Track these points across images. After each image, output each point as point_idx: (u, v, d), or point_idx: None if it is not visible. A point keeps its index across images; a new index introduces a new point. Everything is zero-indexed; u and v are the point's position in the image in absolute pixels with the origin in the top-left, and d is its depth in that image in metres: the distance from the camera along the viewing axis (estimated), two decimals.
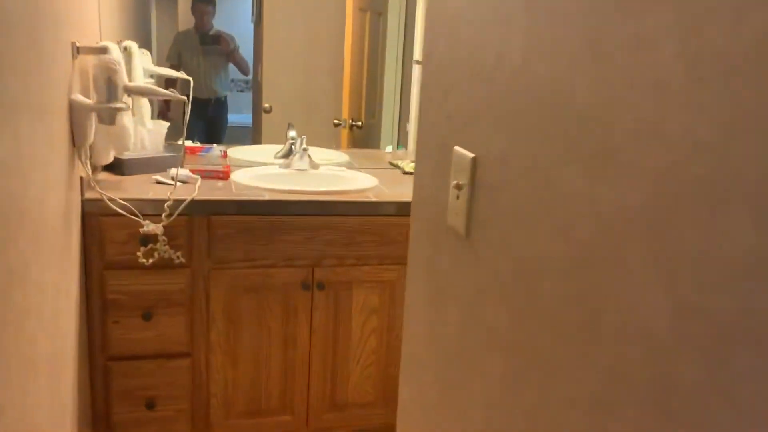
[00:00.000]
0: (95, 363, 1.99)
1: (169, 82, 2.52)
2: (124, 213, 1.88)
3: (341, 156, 2.78)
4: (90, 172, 1.88)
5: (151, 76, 2.31)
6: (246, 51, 2.90)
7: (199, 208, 1.96)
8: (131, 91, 1.87)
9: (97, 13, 2.10)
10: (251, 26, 2.89)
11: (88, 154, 1.86)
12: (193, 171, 2.19)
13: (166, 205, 1.90)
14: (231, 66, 2.83)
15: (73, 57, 1.74)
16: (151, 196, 1.95)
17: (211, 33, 2.74)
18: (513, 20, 0.75)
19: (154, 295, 1.98)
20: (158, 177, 2.13)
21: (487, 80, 0.83)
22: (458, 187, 0.89)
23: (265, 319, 2.09)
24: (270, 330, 2.10)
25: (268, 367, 2.13)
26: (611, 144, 0.57)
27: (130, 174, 2.18)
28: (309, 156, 2.38)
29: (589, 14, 0.61)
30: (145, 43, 2.60)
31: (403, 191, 2.22)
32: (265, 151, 2.72)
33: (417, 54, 3.15)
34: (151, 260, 1.92)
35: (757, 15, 0.41)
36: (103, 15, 2.15)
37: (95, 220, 1.90)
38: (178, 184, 2.07)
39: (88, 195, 1.89)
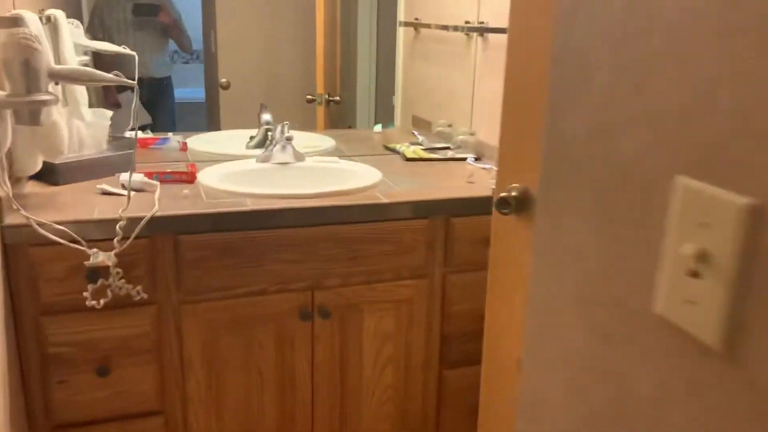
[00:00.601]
0: None
1: (98, 60, 2.00)
2: (62, 241, 1.40)
3: (325, 140, 2.33)
4: (10, 189, 1.39)
5: (85, 53, 1.80)
6: (192, 17, 2.38)
7: (162, 227, 1.50)
8: (59, 77, 1.38)
9: None
10: None
11: (5, 165, 1.37)
12: (148, 174, 1.71)
13: (118, 226, 1.43)
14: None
15: None
16: (97, 215, 1.47)
17: (148, 2, 2.21)
18: None
19: (110, 343, 1.52)
20: (104, 186, 1.64)
21: None
22: (702, 257, 0.48)
23: (254, 360, 1.65)
24: (261, 372, 1.67)
25: (261, 418, 1.70)
26: None
27: (67, 183, 1.69)
28: (293, 146, 1.93)
29: None
30: (75, 13, 2.07)
31: (413, 186, 1.80)
32: (232, 139, 2.24)
33: (402, 13, 2.69)
34: (103, 300, 1.45)
35: None
36: None
37: (23, 252, 1.41)
38: (132, 193, 1.60)
39: (10, 220, 1.40)
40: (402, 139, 2.40)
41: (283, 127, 1.92)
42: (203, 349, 1.60)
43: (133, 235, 1.45)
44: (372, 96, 2.82)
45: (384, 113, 2.80)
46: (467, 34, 2.22)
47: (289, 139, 1.90)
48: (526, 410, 0.80)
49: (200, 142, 2.19)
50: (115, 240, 1.43)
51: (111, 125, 1.85)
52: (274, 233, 1.58)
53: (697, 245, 0.47)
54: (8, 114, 1.35)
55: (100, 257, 1.42)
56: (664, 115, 0.52)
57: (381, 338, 1.75)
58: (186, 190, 1.66)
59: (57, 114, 1.47)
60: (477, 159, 2.11)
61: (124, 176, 1.65)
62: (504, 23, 2.07)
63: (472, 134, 2.17)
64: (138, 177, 1.65)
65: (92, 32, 2.10)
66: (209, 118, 2.54)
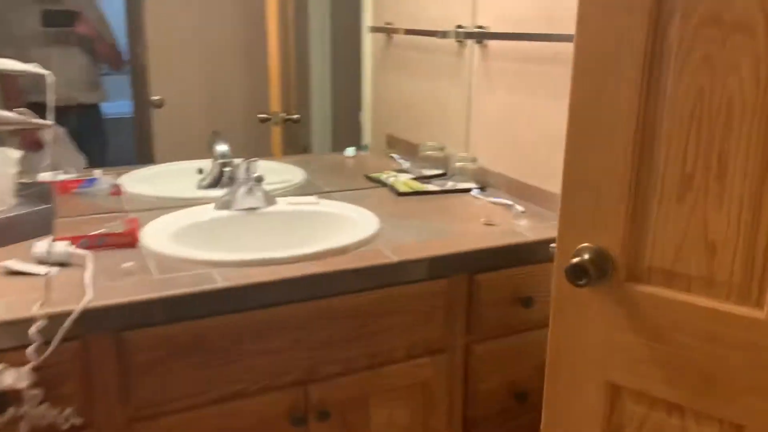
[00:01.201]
0: None
1: (6, 83, 1.54)
2: None
3: (293, 171, 1.92)
4: None
5: None
6: (116, 20, 1.92)
7: (99, 322, 1.07)
8: None
9: None
10: None
11: None
12: (74, 240, 1.26)
13: (33, 329, 1.00)
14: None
15: None
16: (1, 314, 1.03)
17: (61, 9, 1.74)
18: None
19: None
20: (11, 262, 1.19)
21: None
22: None
23: None
24: None
25: None
26: None
27: None
28: (263, 189, 1.52)
29: None
30: None
31: (420, 234, 1.42)
32: (176, 176, 1.81)
33: (370, 17, 2.31)
34: None
35: None
36: None
37: None
38: (53, 271, 1.16)
39: None
40: (382, 166, 2.02)
41: (248, 165, 1.50)
42: None
43: (57, 339, 1.02)
44: (328, 113, 2.41)
45: (348, 133, 2.40)
46: (460, 41, 1.86)
47: (259, 180, 1.49)
48: None
49: (137, 181, 1.74)
50: (30, 349, 1.00)
51: (22, 172, 1.39)
52: (253, 315, 1.18)
53: None
54: None
55: (8, 379, 0.98)
56: None
57: None
58: (129, 262, 1.22)
59: None
60: (481, 189, 1.76)
61: (39, 246, 1.21)
62: (510, 27, 1.74)
63: (473, 160, 1.82)
64: (60, 247, 1.21)
65: None
66: (139, 143, 2.08)
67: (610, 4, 0.95)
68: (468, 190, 1.75)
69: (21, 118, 1.01)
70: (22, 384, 0.98)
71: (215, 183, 1.69)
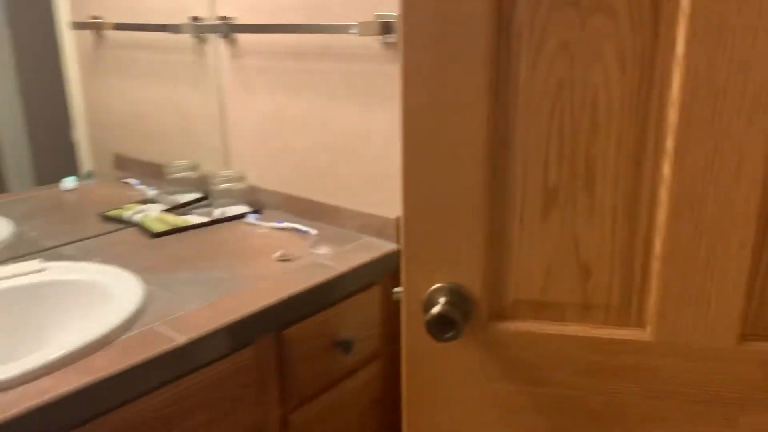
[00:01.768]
0: None
1: None
2: None
3: None
4: None
5: None
6: None
7: None
8: None
9: None
10: None
11: None
12: None
13: None
14: None
15: None
16: None
17: None
18: None
19: None
20: None
21: None
22: None
23: None
24: None
25: None
26: None
27: None
28: None
29: None
30: None
31: (204, 293, 1.09)
32: None
33: (68, 12, 1.81)
34: None
35: None
36: None
37: None
38: None
39: None
40: (119, 198, 1.59)
41: None
42: None
43: None
44: (22, 136, 1.88)
45: (58, 158, 1.90)
46: (198, 36, 1.52)
47: None
48: None
49: None
50: None
51: None
52: None
53: None
54: None
55: None
56: None
57: None
58: None
59: None
60: (257, 212, 1.47)
61: None
62: (263, 18, 1.42)
63: (240, 178, 1.51)
64: None
65: None
66: None
67: None
68: (242, 216, 1.44)
69: None
70: None
71: None
